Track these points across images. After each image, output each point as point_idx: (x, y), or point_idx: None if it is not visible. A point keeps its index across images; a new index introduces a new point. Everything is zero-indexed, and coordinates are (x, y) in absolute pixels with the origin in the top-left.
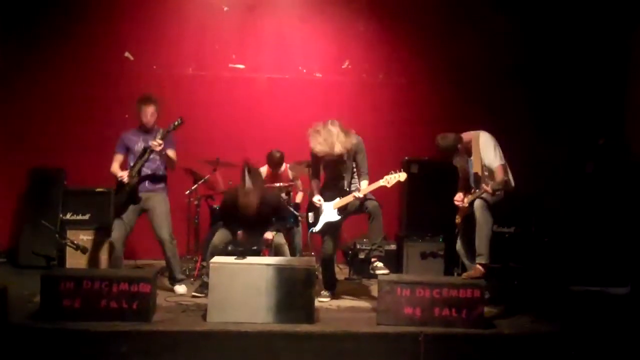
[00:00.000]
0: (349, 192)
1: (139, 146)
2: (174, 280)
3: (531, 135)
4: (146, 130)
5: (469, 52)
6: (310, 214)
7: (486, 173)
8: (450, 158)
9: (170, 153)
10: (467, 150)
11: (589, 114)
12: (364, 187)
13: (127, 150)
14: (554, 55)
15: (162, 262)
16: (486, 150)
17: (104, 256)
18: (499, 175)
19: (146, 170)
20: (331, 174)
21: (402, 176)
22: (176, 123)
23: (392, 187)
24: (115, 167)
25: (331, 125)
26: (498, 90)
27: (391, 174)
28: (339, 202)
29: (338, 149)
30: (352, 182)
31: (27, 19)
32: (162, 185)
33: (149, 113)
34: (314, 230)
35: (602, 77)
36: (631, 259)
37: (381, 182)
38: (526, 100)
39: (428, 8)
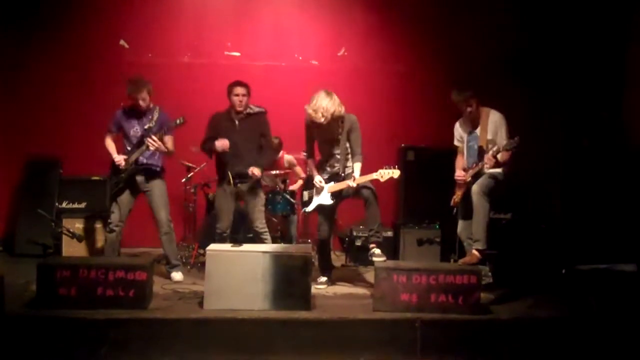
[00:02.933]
0: (343, 176)
1: (135, 131)
2: (170, 265)
3: (528, 120)
4: (141, 112)
5: (465, 40)
6: (305, 193)
7: (491, 147)
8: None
9: (168, 142)
10: (473, 120)
11: (587, 103)
12: (357, 171)
13: (120, 129)
14: (552, 41)
15: (159, 250)
16: (500, 128)
17: (100, 244)
18: (505, 155)
19: (142, 159)
20: (325, 154)
21: (395, 173)
22: (177, 122)
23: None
24: (109, 143)
25: (324, 93)
26: (495, 78)
27: (385, 168)
28: (333, 186)
29: (319, 116)
30: (347, 165)
31: (22, 7)
32: (159, 169)
33: (141, 99)
34: (306, 210)
35: (600, 63)
36: (631, 238)
37: (375, 175)
38: (523, 87)
39: None
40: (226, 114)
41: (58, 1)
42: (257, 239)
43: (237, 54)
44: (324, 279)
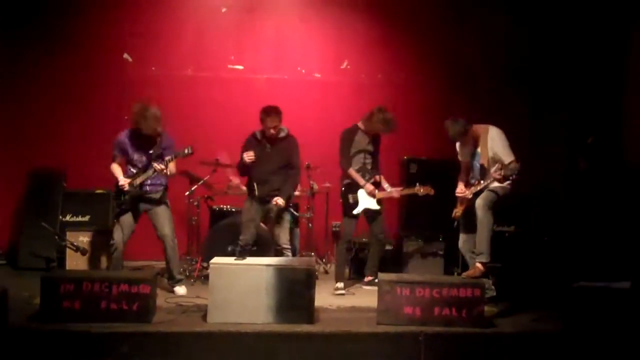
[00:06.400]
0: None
1: (140, 155)
2: (173, 281)
3: (529, 134)
4: (146, 136)
5: (467, 52)
6: (350, 196)
7: (493, 165)
8: (457, 141)
9: (171, 165)
10: (474, 141)
11: (586, 113)
12: (386, 184)
13: (124, 154)
14: (552, 55)
15: (162, 264)
16: (498, 145)
17: (103, 257)
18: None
19: (147, 182)
20: (359, 163)
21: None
22: (186, 152)
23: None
24: (115, 167)
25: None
26: (496, 90)
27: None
28: (379, 193)
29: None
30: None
31: (25, 19)
32: (162, 187)
33: (150, 130)
34: (356, 212)
35: (600, 76)
36: (631, 255)
37: (415, 189)
38: (524, 99)
39: (426, 8)
40: (258, 139)
41: (61, 14)
42: (279, 253)
43: (240, 67)
44: (341, 283)
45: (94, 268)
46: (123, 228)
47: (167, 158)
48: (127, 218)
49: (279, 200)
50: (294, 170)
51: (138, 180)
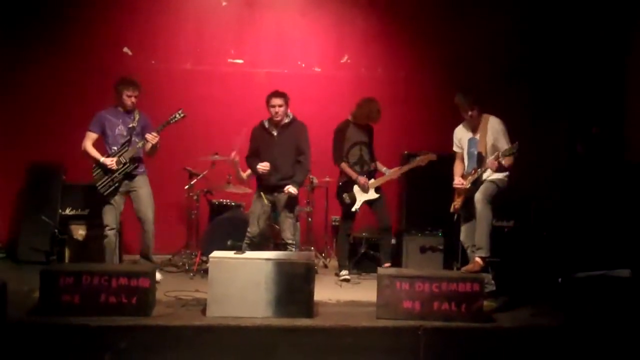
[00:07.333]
0: (374, 173)
1: (120, 129)
2: (149, 262)
3: (529, 129)
4: (125, 112)
5: (467, 46)
6: (346, 195)
7: (492, 154)
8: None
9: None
10: (474, 126)
11: (588, 109)
12: (383, 168)
13: (103, 131)
14: (553, 50)
15: (161, 257)
16: (499, 134)
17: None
18: (509, 160)
19: (136, 155)
20: (356, 156)
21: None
22: (177, 116)
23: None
24: (89, 146)
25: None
26: (496, 85)
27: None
28: (374, 182)
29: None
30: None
31: (23, 12)
32: (143, 167)
33: (133, 98)
34: (356, 210)
35: (600, 77)
36: (631, 246)
37: (416, 161)
38: (525, 94)
39: (427, 7)
40: (264, 126)
41: (60, 7)
42: (283, 248)
43: (240, 61)
44: (345, 270)
45: (95, 261)
46: (116, 208)
47: (158, 128)
48: (118, 199)
49: (291, 189)
50: (303, 155)
51: (127, 155)
